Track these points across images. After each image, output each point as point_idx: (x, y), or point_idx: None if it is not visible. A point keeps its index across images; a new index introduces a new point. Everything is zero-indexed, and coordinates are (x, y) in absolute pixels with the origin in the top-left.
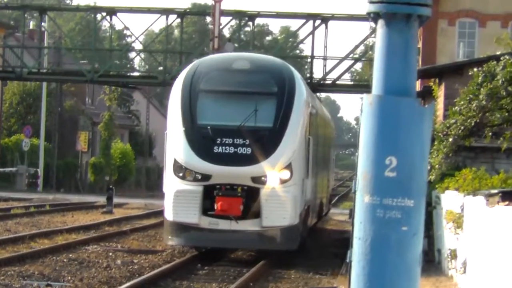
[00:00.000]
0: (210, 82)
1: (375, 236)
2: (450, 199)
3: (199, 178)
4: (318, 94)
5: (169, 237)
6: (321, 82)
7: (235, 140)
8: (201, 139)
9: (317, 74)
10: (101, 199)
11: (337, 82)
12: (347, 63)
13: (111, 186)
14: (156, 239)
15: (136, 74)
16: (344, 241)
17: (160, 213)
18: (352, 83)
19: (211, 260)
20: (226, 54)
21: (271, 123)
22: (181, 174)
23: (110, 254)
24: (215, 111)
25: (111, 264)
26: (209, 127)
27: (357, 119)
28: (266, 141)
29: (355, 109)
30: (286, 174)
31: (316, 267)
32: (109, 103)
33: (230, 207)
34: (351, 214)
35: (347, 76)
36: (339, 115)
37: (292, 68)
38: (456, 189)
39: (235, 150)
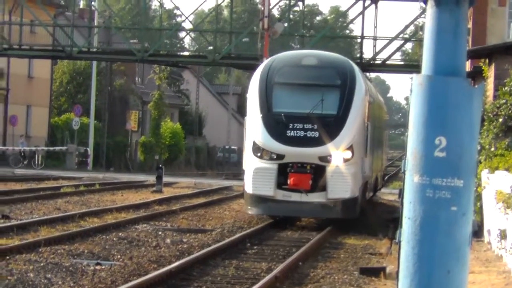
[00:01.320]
0: (283, 76)
1: (425, 216)
2: (500, 179)
3: (275, 157)
4: (368, 74)
5: (249, 207)
6: (371, 62)
7: (305, 125)
8: (276, 124)
9: (367, 54)
10: (151, 178)
11: (387, 62)
12: (397, 43)
13: (160, 165)
14: (205, 218)
15: (186, 53)
16: (393, 221)
17: (209, 192)
18: (402, 63)
19: (260, 239)
20: (297, 52)
21: (335, 111)
22: (259, 154)
23: (160, 233)
24: (288, 100)
25: (161, 243)
26: (283, 114)
27: (407, 99)
28: (331, 126)
29: (405, 89)
30: (348, 154)
31: (366, 247)
32: (159, 82)
33: (301, 182)
34: (401, 194)
35: (397, 56)
36: (388, 95)
37: (353, 64)
38: (506, 169)
39: (305, 133)
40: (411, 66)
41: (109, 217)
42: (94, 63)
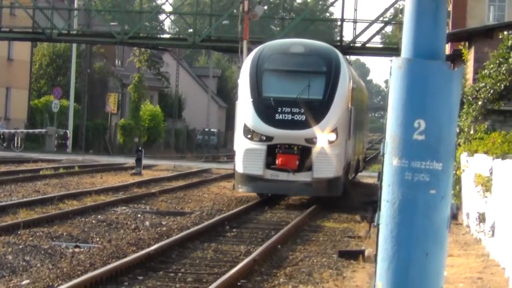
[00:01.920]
0: (272, 63)
1: (403, 199)
2: (479, 163)
3: (264, 139)
4: (347, 57)
5: (239, 185)
6: (351, 45)
7: (292, 109)
8: (265, 108)
9: (347, 37)
10: (130, 161)
11: (367, 45)
12: (377, 26)
13: (140, 148)
14: (184, 201)
15: (166, 36)
16: (372, 203)
17: (188, 175)
18: (382, 46)
19: (239, 222)
20: (285, 40)
21: (321, 96)
22: (249, 136)
23: (139, 215)
24: (277, 85)
25: (140, 225)
26: (272, 99)
27: (386, 82)
28: (317, 110)
29: (384, 72)
30: (332, 136)
31: (344, 230)
32: (139, 65)
33: (288, 162)
34: (380, 177)
35: (377, 39)
36: (368, 78)
37: (338, 51)
38: (485, 152)
39: (292, 117)
40: (390, 49)
41: (88, 199)
42: (74, 45)
